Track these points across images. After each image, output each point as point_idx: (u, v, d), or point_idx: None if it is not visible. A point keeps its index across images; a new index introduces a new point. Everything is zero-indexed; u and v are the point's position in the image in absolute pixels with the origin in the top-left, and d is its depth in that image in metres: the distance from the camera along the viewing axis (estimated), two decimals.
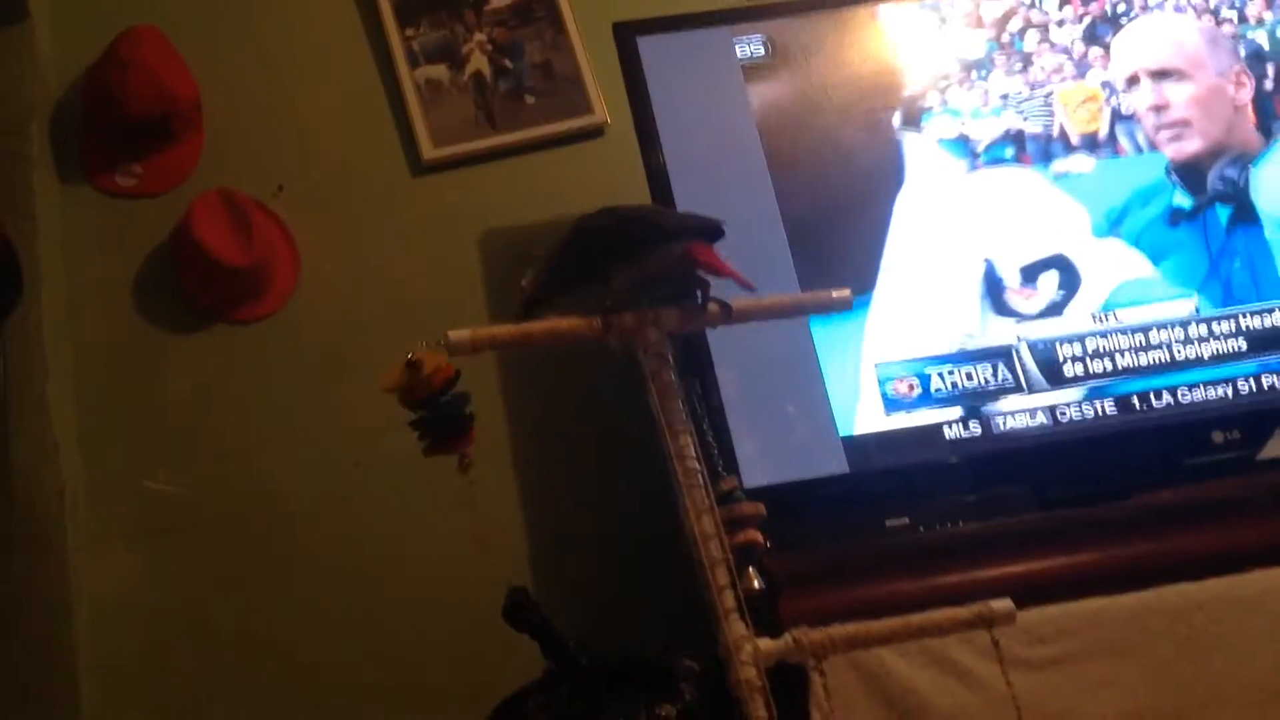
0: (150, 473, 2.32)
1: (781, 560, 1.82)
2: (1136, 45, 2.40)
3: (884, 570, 1.99)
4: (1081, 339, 2.22)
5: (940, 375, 2.18)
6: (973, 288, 2.24)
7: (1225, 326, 2.25)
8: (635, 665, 1.85)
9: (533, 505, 2.38)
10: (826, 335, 2.16)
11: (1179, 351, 2.23)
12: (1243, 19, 2.44)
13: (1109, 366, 2.21)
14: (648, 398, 1.45)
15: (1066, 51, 2.39)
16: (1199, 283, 2.27)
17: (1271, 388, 2.22)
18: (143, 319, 2.41)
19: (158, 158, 2.47)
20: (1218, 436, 2.17)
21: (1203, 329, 2.24)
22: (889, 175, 2.30)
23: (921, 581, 1.97)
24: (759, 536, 1.45)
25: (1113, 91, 2.37)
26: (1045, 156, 2.32)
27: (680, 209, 2.18)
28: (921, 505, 2.10)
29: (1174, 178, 2.33)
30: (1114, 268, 2.27)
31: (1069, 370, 2.20)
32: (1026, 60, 2.38)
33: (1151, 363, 2.22)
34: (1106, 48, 2.40)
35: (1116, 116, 2.36)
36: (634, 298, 1.50)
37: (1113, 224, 2.29)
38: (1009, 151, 2.32)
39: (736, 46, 2.34)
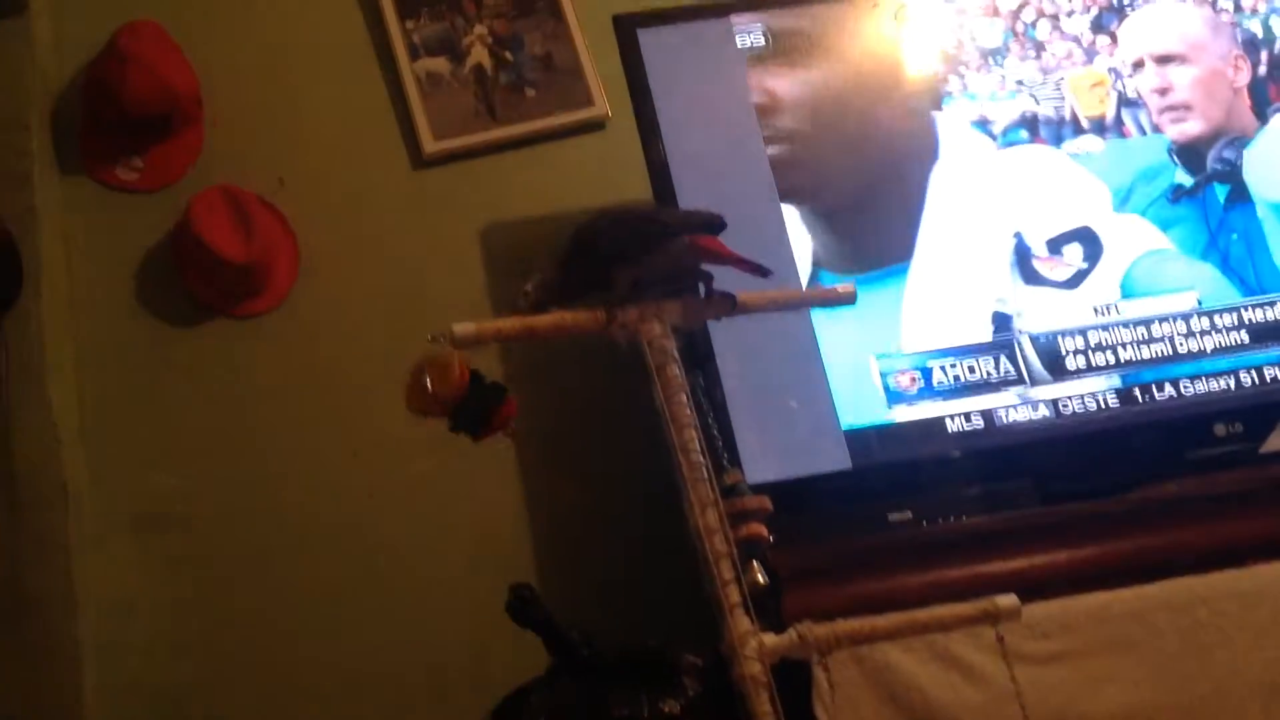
0: (152, 467, 2.32)
1: (784, 555, 1.82)
2: (1141, 31, 2.42)
3: (887, 565, 1.99)
4: (1084, 331, 2.22)
5: (942, 368, 2.18)
6: (1004, 258, 2.26)
7: (1227, 319, 2.25)
8: (639, 660, 1.85)
9: (536, 500, 2.38)
10: (827, 327, 2.16)
11: (1181, 344, 2.23)
12: (1239, 8, 2.45)
13: (1111, 359, 2.21)
14: (652, 391, 1.44)
15: (1076, 39, 2.40)
16: (1200, 251, 2.30)
17: (1274, 380, 2.22)
18: (144, 313, 2.41)
19: (158, 152, 2.47)
20: (1220, 429, 2.17)
21: (1205, 321, 2.24)
22: (916, 153, 2.32)
23: (924, 576, 1.97)
24: (763, 531, 1.44)
25: (1118, 76, 2.38)
26: (1057, 139, 2.35)
27: (682, 201, 2.18)
28: (924, 499, 2.10)
29: (1175, 158, 2.35)
30: (1133, 240, 2.29)
31: (1071, 363, 2.20)
32: (1039, 47, 2.39)
33: (1154, 355, 2.22)
34: (1113, 35, 2.40)
35: (1122, 100, 2.37)
36: (639, 294, 1.50)
37: (1122, 201, 2.30)
38: (1024, 134, 2.34)
39: (737, 37, 2.34)
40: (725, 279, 1.59)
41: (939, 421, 2.15)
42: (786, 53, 2.33)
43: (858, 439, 2.13)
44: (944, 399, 2.16)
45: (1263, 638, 1.95)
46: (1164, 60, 2.41)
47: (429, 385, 1.45)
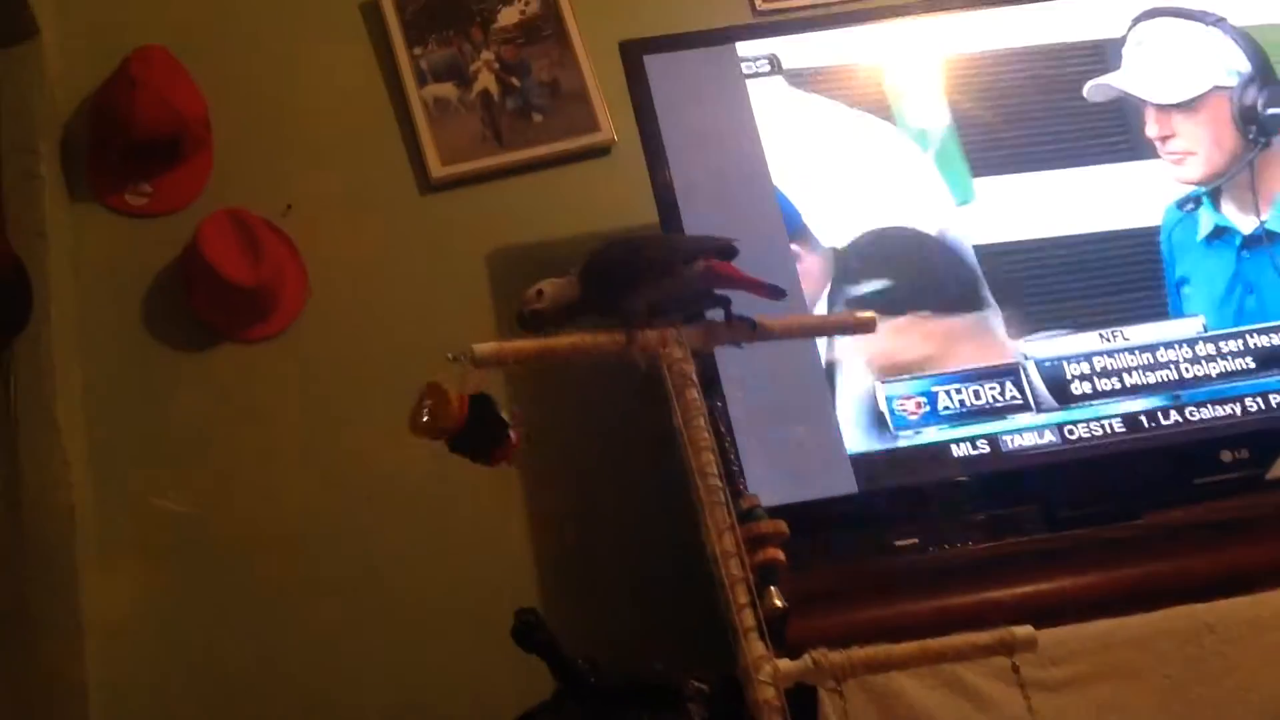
0: (159, 491, 2.32)
1: (790, 580, 1.82)
2: None
3: (892, 590, 1.99)
4: (1089, 358, 2.22)
5: (948, 394, 2.18)
6: None
7: (1233, 345, 2.25)
8: (644, 686, 1.84)
9: (542, 524, 2.38)
10: (836, 352, 2.16)
11: (1187, 370, 2.23)
12: None
13: (1117, 385, 2.21)
14: (671, 415, 1.44)
15: None
16: None
17: None
18: (152, 338, 2.41)
19: (167, 177, 2.48)
20: (1226, 456, 2.17)
21: (1210, 348, 2.25)
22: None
23: (930, 602, 1.97)
24: (780, 555, 1.44)
25: None
26: None
27: (688, 226, 2.19)
28: (930, 524, 2.10)
29: None
30: None
31: (1077, 389, 2.20)
32: None
33: (1159, 381, 2.22)
34: None
35: None
36: (655, 318, 1.50)
37: None
38: None
39: (742, 64, 2.35)
40: (739, 302, 1.60)
41: (945, 447, 2.15)
42: (791, 80, 2.34)
43: (864, 464, 2.13)
44: (950, 425, 2.16)
45: (1270, 665, 1.95)
46: None
47: (428, 414, 1.45)
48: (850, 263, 2.25)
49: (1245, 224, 2.35)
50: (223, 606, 2.28)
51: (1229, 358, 2.25)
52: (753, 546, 1.41)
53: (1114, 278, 2.30)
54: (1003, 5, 2.48)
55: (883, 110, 2.36)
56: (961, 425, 2.16)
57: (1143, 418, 2.19)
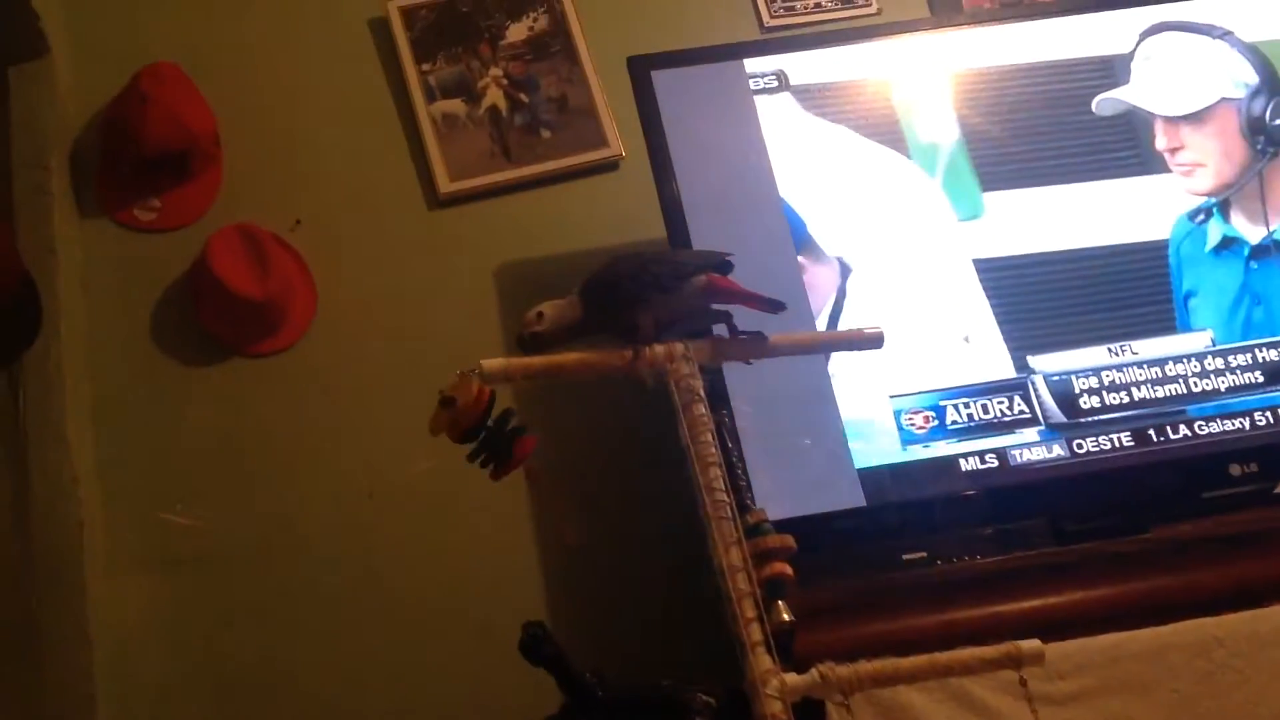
0: (167, 505, 2.32)
1: (798, 594, 1.81)
2: None
3: (900, 604, 1.99)
4: (1097, 372, 2.22)
5: (956, 408, 2.18)
6: None
7: (1242, 359, 2.25)
8: (651, 699, 1.84)
9: (550, 537, 2.38)
10: (844, 367, 2.16)
11: (1195, 384, 2.23)
12: None
13: (1125, 399, 2.21)
14: (678, 430, 1.45)
15: None
16: None
17: None
18: (161, 352, 2.42)
19: (176, 192, 2.49)
20: (1235, 469, 2.17)
21: (1219, 361, 2.25)
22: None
23: (938, 616, 1.97)
24: (788, 570, 1.44)
25: None
26: None
27: (695, 240, 2.19)
28: (938, 538, 2.10)
29: None
30: None
31: (1085, 403, 2.20)
32: None
33: (1168, 395, 2.22)
34: None
35: None
36: (660, 334, 1.51)
37: None
38: None
39: (750, 79, 2.35)
40: (742, 316, 1.60)
41: (953, 461, 2.15)
42: (799, 95, 2.35)
43: (871, 478, 2.13)
44: (958, 439, 2.16)
45: (1278, 678, 1.94)
46: None
47: (448, 394, 1.46)
48: (858, 275, 2.25)
49: (1254, 234, 2.35)
50: (230, 619, 2.29)
51: (1237, 371, 2.25)
52: (760, 561, 1.41)
53: (1123, 292, 2.30)
54: (1011, 22, 2.49)
55: (892, 125, 2.37)
56: (970, 439, 2.16)
57: (1151, 432, 2.19)
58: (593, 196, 2.61)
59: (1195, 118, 2.41)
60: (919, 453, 2.16)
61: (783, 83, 2.36)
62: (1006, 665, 1.41)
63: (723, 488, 1.40)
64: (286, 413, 2.41)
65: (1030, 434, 2.18)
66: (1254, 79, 2.43)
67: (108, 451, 2.33)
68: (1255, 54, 2.46)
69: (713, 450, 1.42)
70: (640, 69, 2.34)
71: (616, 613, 2.33)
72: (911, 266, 2.28)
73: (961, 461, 2.16)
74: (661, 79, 2.33)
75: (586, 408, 2.38)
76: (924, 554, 2.08)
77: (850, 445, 2.14)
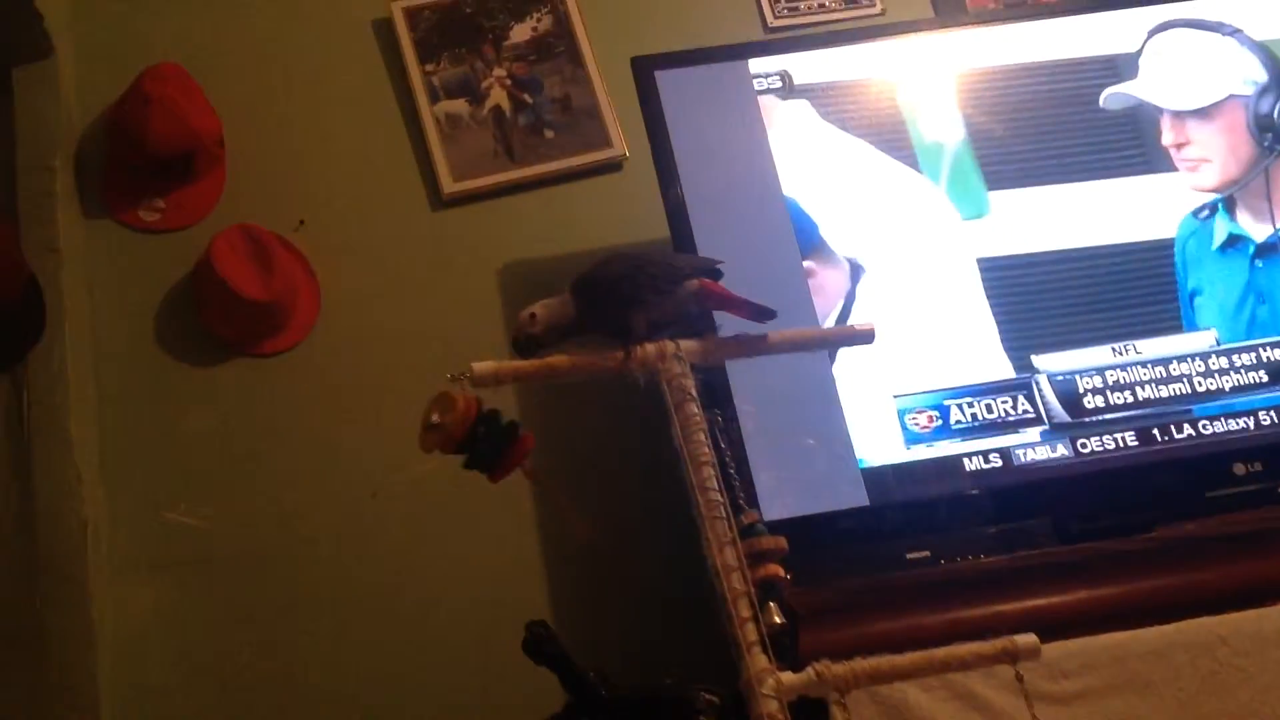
0: (172, 505, 2.33)
1: (801, 593, 1.82)
2: None
3: (905, 603, 1.98)
4: (1101, 371, 2.22)
5: (960, 407, 2.18)
6: None
7: (1246, 358, 2.24)
8: (655, 698, 1.84)
9: (552, 537, 2.38)
10: (848, 367, 2.16)
11: (1200, 383, 2.22)
12: None
13: (1129, 398, 2.21)
14: (671, 430, 1.45)
15: None
16: None
17: None
18: (165, 352, 2.42)
19: (181, 193, 2.49)
20: (1239, 468, 2.16)
21: (1223, 360, 2.24)
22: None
23: (942, 615, 1.96)
24: (780, 571, 1.44)
25: None
26: None
27: (699, 241, 2.19)
28: (942, 538, 2.10)
29: None
30: None
31: (1089, 402, 2.20)
32: None
33: (1172, 394, 2.21)
34: None
35: None
36: (653, 335, 1.51)
37: None
38: None
39: (754, 80, 2.35)
40: (733, 326, 1.61)
41: (957, 460, 2.15)
42: (803, 96, 2.34)
43: (875, 477, 2.13)
44: (962, 438, 2.16)
45: None
46: None
47: (435, 419, 1.46)
48: (869, 277, 2.25)
49: (1259, 232, 2.35)
50: (235, 619, 2.29)
51: (1242, 371, 2.24)
52: (753, 562, 1.41)
53: (1127, 290, 2.29)
54: (1015, 22, 2.49)
55: (897, 125, 2.36)
56: (974, 439, 2.16)
57: (1155, 431, 2.19)
58: (596, 197, 2.61)
59: (1203, 113, 2.40)
60: (923, 452, 2.15)
61: (787, 84, 2.36)
62: (1002, 660, 1.40)
63: (716, 488, 1.40)
64: (290, 413, 2.41)
65: (1034, 434, 2.17)
66: (1263, 77, 2.43)
67: (112, 451, 2.34)
68: (1265, 52, 2.45)
69: (706, 450, 1.41)
70: (644, 69, 2.34)
71: (619, 612, 2.33)
72: (916, 266, 2.27)
73: (965, 461, 2.15)
74: (665, 79, 2.33)
75: (588, 407, 2.37)
76: (928, 553, 2.08)
77: (854, 445, 2.14)
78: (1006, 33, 2.46)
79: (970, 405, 2.18)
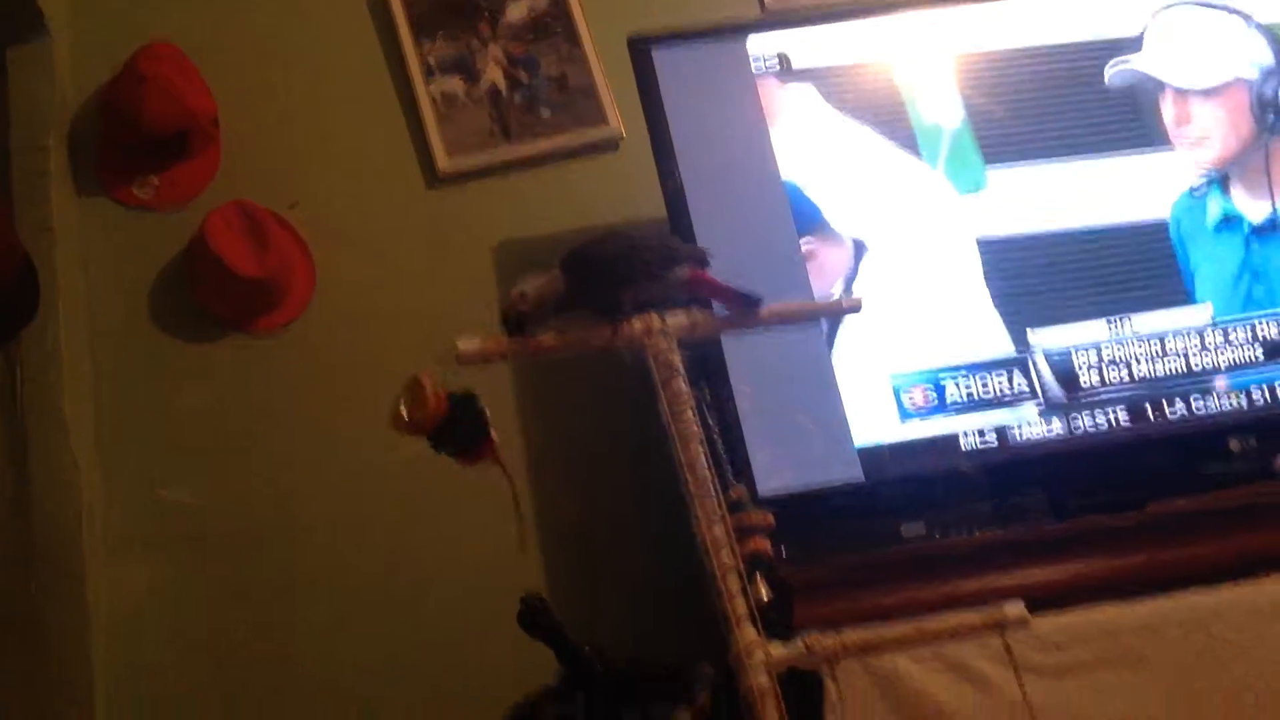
0: (167, 483, 2.34)
1: (797, 568, 1.82)
2: None
3: (900, 578, 1.98)
4: (1097, 347, 2.22)
5: (956, 384, 2.18)
6: None
7: (1241, 334, 2.24)
8: (649, 671, 1.85)
9: (547, 513, 2.38)
10: (844, 344, 2.16)
11: (1195, 359, 2.22)
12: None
13: (1125, 375, 2.21)
14: (658, 407, 1.45)
15: None
16: None
17: None
18: (160, 330, 2.43)
19: (175, 171, 2.50)
20: (1234, 444, 2.17)
21: (1219, 336, 2.24)
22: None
23: (937, 589, 1.97)
24: (767, 545, 1.45)
25: None
26: None
27: (696, 221, 2.18)
28: (937, 513, 2.10)
29: None
30: None
31: (1085, 379, 2.20)
32: None
33: (1168, 371, 2.21)
34: None
35: None
36: (642, 313, 1.51)
37: None
38: None
39: (752, 61, 2.34)
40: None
41: (952, 437, 2.15)
42: (800, 73, 2.34)
43: (870, 454, 2.13)
44: (957, 414, 2.16)
45: (1277, 652, 1.94)
46: None
47: (404, 413, 1.46)
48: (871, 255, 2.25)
49: (1255, 211, 2.34)
50: (230, 596, 2.30)
51: (1237, 346, 2.24)
52: (741, 536, 1.41)
53: (1123, 267, 2.29)
54: None
55: (896, 103, 2.35)
56: (969, 415, 2.16)
57: (1149, 407, 2.19)
58: (592, 176, 2.61)
59: (1207, 93, 2.40)
60: (918, 429, 2.15)
61: (785, 66, 2.35)
62: (991, 630, 1.42)
63: (704, 463, 1.40)
64: (285, 390, 2.42)
65: (1030, 410, 2.17)
66: (1269, 60, 2.42)
67: (107, 429, 2.35)
68: (1271, 35, 2.44)
69: (694, 427, 1.42)
70: (641, 48, 2.33)
71: (610, 591, 2.34)
72: (913, 245, 2.27)
73: (961, 438, 2.15)
74: (662, 59, 2.31)
75: (580, 385, 2.38)
76: (922, 529, 2.08)
77: (849, 422, 2.14)
78: (1008, 10, 2.44)
79: (966, 382, 2.18)
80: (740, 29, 2.41)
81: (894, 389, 2.17)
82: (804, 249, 2.22)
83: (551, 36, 2.67)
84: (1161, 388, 2.20)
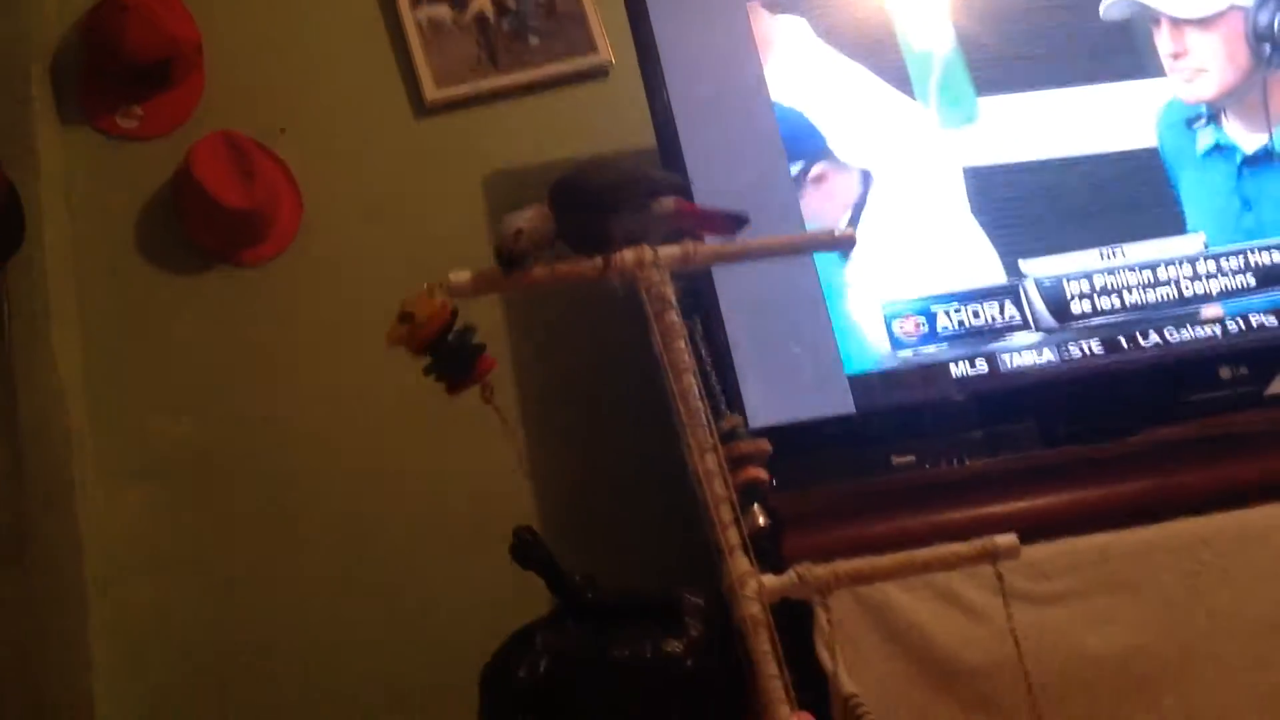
0: (156, 413, 2.33)
1: (787, 498, 1.83)
2: None
3: (890, 507, 1.99)
4: (1089, 276, 2.21)
5: (946, 313, 2.17)
6: None
7: (1234, 262, 2.24)
8: (642, 601, 1.86)
9: (540, 446, 2.39)
10: (835, 274, 2.15)
11: (1187, 287, 2.22)
12: None
13: (1117, 303, 2.20)
14: (651, 338, 1.44)
15: None
16: None
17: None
18: (146, 261, 2.41)
19: (159, 100, 2.46)
20: (1225, 372, 2.17)
21: (1211, 265, 2.24)
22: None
23: (927, 518, 1.97)
24: (763, 473, 1.44)
25: None
26: None
27: (686, 150, 2.16)
28: (928, 443, 2.10)
29: None
30: None
31: (1076, 307, 2.20)
32: None
33: (1160, 299, 2.21)
34: None
35: None
36: (633, 244, 1.50)
37: None
38: None
39: None
40: None
41: (943, 366, 2.15)
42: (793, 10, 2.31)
43: (861, 383, 2.12)
44: (948, 344, 2.16)
45: (1265, 578, 1.96)
46: None
47: (409, 310, 1.45)
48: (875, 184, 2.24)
49: (1249, 142, 2.33)
50: (221, 527, 2.31)
51: (1230, 275, 2.23)
52: (735, 466, 1.41)
53: (1116, 196, 2.28)
54: None
55: (887, 34, 2.33)
56: (960, 344, 2.16)
57: (1141, 335, 2.18)
58: (582, 104, 2.58)
59: (1203, 23, 2.37)
60: (909, 358, 2.15)
61: None
62: (982, 560, 1.42)
63: (696, 394, 1.40)
64: (274, 320, 2.41)
65: (1021, 339, 2.17)
66: None
67: (95, 360, 2.34)
68: None
69: (686, 358, 1.41)
70: None
71: (607, 523, 2.34)
72: (905, 174, 2.25)
73: (951, 367, 2.15)
74: None
75: (575, 319, 2.37)
76: (913, 458, 2.08)
77: (840, 352, 2.13)
78: None
79: (957, 311, 2.18)
80: None
81: (885, 318, 2.16)
82: (814, 172, 2.21)
83: None
84: (1153, 316, 2.20)
